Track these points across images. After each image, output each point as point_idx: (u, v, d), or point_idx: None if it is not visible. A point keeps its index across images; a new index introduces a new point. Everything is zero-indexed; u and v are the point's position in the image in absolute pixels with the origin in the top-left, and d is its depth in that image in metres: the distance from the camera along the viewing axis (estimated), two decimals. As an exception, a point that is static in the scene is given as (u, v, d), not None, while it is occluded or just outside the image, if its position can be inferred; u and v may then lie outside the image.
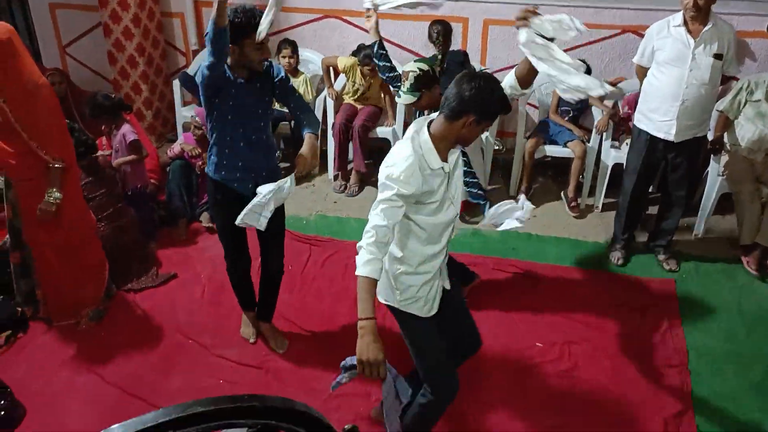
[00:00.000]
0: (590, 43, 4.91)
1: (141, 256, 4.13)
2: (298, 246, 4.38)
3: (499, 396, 3.25)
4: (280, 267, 3.43)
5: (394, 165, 2.24)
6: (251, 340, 3.57)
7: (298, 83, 5.08)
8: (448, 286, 2.62)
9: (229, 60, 2.87)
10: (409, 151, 2.24)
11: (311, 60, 5.35)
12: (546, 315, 3.80)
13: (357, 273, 2.15)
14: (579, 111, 4.89)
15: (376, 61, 3.74)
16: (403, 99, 3.41)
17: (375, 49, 3.67)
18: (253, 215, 2.93)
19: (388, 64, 3.73)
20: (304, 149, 3.04)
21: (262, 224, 2.94)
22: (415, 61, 3.48)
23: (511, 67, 4.93)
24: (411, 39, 5.23)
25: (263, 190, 2.89)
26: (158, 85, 5.63)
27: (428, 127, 2.31)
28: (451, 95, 2.24)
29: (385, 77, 3.82)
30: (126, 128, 4.24)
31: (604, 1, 4.83)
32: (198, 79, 2.89)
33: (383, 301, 2.53)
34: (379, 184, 2.28)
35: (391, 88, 4.68)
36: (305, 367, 3.42)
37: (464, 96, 2.20)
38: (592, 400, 3.25)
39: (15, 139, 3.13)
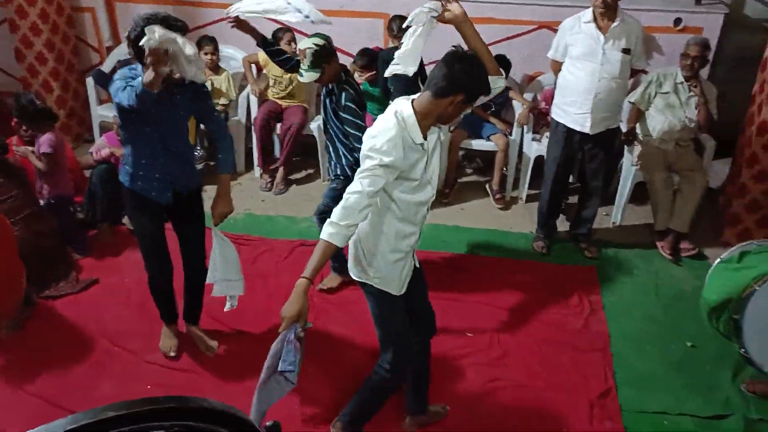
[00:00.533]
0: (509, 38, 5.03)
1: (59, 262, 3.94)
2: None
3: (431, 386, 3.29)
4: (203, 268, 3.30)
5: (377, 136, 2.28)
6: (172, 354, 3.41)
7: (220, 81, 4.97)
8: (418, 265, 2.67)
9: None
10: (392, 123, 2.28)
11: (233, 56, 5.25)
12: (476, 305, 3.88)
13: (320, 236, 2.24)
14: (500, 105, 5.01)
15: (272, 59, 3.76)
16: (306, 77, 3.41)
17: (264, 48, 3.69)
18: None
19: (281, 57, 3.73)
20: (218, 197, 3.06)
21: None
22: (308, 37, 3.45)
23: (432, 62, 5.03)
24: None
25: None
26: (71, 82, 5.38)
27: (412, 103, 2.33)
28: (440, 73, 2.26)
29: (286, 68, 3.80)
30: (45, 138, 4.00)
31: (520, -2, 4.96)
32: (115, 99, 2.72)
33: (356, 278, 2.56)
34: (361, 156, 2.31)
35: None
36: (239, 367, 3.36)
37: (456, 75, 2.24)
38: (522, 386, 3.35)
39: None
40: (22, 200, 3.80)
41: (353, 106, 3.49)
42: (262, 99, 5.11)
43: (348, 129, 3.50)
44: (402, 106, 2.33)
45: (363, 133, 3.23)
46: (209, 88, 4.99)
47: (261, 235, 4.46)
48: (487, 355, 3.52)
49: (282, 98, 5.10)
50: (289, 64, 3.72)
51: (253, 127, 5.02)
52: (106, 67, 5.27)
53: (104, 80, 5.08)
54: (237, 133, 5.08)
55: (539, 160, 4.71)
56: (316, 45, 3.36)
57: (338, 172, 3.69)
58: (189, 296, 3.45)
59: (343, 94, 3.47)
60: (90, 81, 5.17)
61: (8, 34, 5.09)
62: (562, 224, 4.64)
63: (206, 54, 4.85)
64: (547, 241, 4.44)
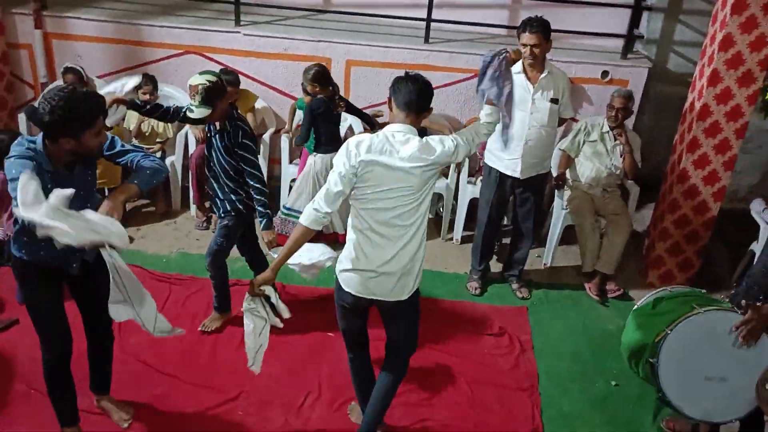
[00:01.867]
0: (447, 84, 5.18)
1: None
2: (156, 285, 4.22)
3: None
4: (110, 330, 3.08)
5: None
6: None
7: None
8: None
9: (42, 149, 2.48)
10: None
11: (171, 95, 5.23)
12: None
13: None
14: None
15: (150, 116, 3.73)
16: (197, 113, 3.37)
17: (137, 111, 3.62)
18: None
19: (158, 111, 3.60)
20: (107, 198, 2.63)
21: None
22: (200, 73, 3.42)
23: (374, 105, 5.13)
24: (274, 77, 5.27)
25: None
26: (2, 118, 5.28)
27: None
28: (419, 94, 2.71)
29: (167, 119, 3.68)
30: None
31: (457, 46, 5.14)
32: (9, 186, 2.39)
33: (410, 294, 2.89)
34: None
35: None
36: (166, 408, 3.28)
37: (430, 93, 2.75)
38: (451, 427, 3.37)
39: None
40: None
41: (250, 143, 3.49)
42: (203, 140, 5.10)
43: (243, 166, 3.49)
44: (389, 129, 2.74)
45: (258, 170, 3.42)
46: (146, 129, 5.00)
47: (194, 274, 4.39)
48: (417, 395, 3.53)
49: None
50: (168, 114, 3.62)
51: (189, 165, 4.99)
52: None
53: (36, 117, 4.99)
54: (173, 172, 5.06)
55: (474, 201, 4.81)
56: (208, 81, 3.34)
57: (228, 208, 3.64)
58: (98, 363, 3.17)
59: (240, 132, 3.44)
60: (22, 117, 5.08)
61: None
62: (496, 266, 4.73)
63: (144, 93, 4.83)
64: (481, 282, 4.52)
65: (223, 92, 3.42)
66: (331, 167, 2.73)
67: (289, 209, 4.80)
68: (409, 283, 2.84)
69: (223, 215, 3.70)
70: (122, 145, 2.74)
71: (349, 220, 2.81)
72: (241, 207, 3.64)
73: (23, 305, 3.79)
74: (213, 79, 3.36)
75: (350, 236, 2.81)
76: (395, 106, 2.74)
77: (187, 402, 3.36)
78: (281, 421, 3.31)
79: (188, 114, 3.43)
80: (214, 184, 3.64)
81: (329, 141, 4.55)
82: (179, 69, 5.25)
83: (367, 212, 2.72)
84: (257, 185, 3.52)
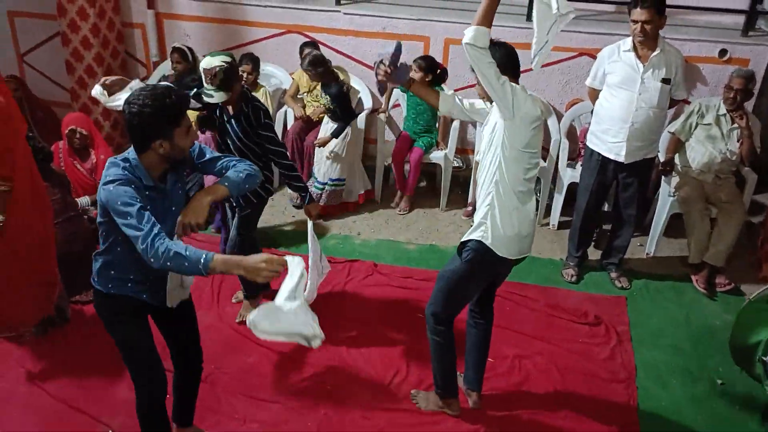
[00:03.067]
0: (548, 65, 5.00)
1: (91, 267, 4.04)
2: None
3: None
4: (200, 355, 2.90)
5: None
6: None
7: (257, 96, 5.07)
8: None
9: (138, 161, 2.31)
10: None
11: (273, 74, 5.35)
12: (498, 329, 3.78)
13: None
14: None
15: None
16: (217, 97, 3.23)
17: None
18: None
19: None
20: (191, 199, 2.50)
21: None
22: (211, 55, 3.26)
23: (472, 85, 5.02)
24: (372, 56, 5.26)
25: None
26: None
27: None
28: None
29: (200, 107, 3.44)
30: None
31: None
32: (104, 197, 2.25)
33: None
34: None
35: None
36: (255, 376, 3.38)
37: None
38: (542, 413, 3.27)
39: None
40: (60, 204, 3.92)
41: (270, 122, 3.40)
42: (302, 119, 5.18)
43: (269, 146, 3.37)
44: None
45: (283, 147, 3.36)
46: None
47: (289, 250, 4.49)
48: (507, 380, 3.46)
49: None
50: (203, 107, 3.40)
51: (285, 142, 5.08)
52: (150, 82, 5.44)
53: (127, 122, 5.21)
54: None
55: (572, 186, 4.64)
56: (225, 63, 3.20)
57: (250, 197, 3.47)
58: (187, 394, 2.95)
59: (260, 112, 3.32)
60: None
61: (61, 48, 5.30)
62: (594, 253, 4.55)
63: (244, 72, 4.95)
64: (577, 269, 4.36)
65: (237, 73, 3.32)
66: None
67: (334, 180, 4.89)
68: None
69: (244, 205, 3.53)
70: (211, 152, 2.58)
71: (488, 186, 2.78)
72: (262, 191, 3.51)
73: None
74: (228, 59, 3.24)
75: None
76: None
77: (278, 372, 3.44)
78: (368, 396, 3.33)
79: (207, 99, 3.25)
80: None
81: None
82: (280, 48, 5.35)
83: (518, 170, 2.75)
84: (287, 162, 3.44)
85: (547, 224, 4.95)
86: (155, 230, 2.19)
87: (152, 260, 2.18)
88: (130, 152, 2.33)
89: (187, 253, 2.17)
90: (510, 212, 2.78)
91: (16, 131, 3.24)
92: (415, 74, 4.51)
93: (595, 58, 4.49)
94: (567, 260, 4.43)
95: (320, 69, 4.55)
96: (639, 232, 4.71)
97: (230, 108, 3.39)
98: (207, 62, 3.21)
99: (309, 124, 5.11)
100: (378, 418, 3.20)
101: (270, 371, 3.46)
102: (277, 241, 4.65)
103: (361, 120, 5.10)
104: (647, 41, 3.76)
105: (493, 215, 2.78)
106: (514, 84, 2.70)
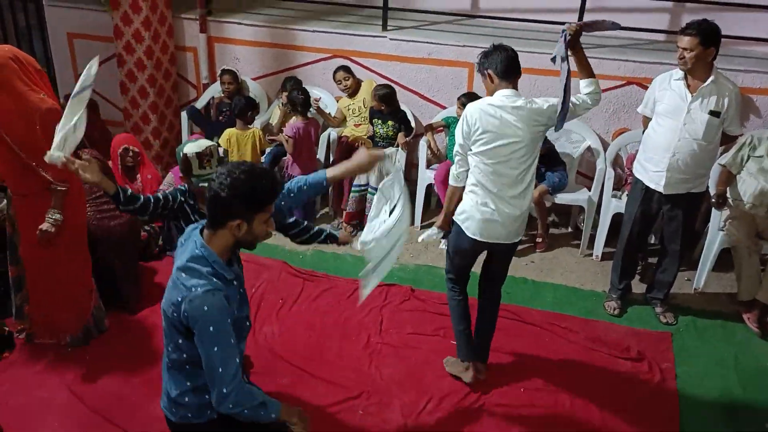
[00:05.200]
0: (595, 93, 4.92)
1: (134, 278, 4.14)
2: (292, 280, 4.38)
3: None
4: None
5: None
6: None
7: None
8: None
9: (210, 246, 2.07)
10: None
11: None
12: (535, 360, 3.74)
13: None
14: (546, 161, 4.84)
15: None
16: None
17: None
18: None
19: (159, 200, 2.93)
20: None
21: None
22: (190, 144, 3.02)
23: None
24: (416, 82, 5.29)
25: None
26: (167, 116, 5.72)
27: None
28: (515, 59, 3.15)
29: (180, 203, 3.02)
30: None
31: (608, 52, 4.88)
32: (193, 313, 1.98)
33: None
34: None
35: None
36: (286, 398, 3.36)
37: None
38: (578, 451, 3.17)
39: (14, 157, 3.19)
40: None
41: None
42: (342, 138, 5.24)
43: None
44: None
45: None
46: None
47: (326, 272, 4.50)
48: (543, 415, 3.36)
49: (359, 126, 5.26)
50: (162, 207, 2.93)
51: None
52: (199, 103, 5.59)
53: (196, 116, 5.37)
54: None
55: (617, 217, 4.53)
56: (210, 144, 3.02)
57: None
58: None
59: None
60: (184, 115, 5.48)
61: (116, 69, 5.49)
62: (639, 287, 4.42)
63: (282, 92, 5.10)
64: (620, 302, 4.23)
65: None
66: None
67: (358, 185, 5.00)
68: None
69: None
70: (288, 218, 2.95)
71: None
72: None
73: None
74: (208, 143, 3.01)
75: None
76: (496, 76, 3.06)
77: (311, 395, 3.42)
78: (400, 423, 3.28)
79: (194, 183, 2.95)
80: None
81: None
82: (327, 72, 5.42)
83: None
84: (305, 223, 3.12)
85: (591, 255, 4.83)
86: (239, 371, 2.03)
87: (228, 407, 2.00)
88: (197, 240, 2.06)
89: (267, 402, 2.10)
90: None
91: None
92: (459, 111, 4.67)
93: (643, 87, 4.42)
94: (610, 292, 4.31)
95: (392, 102, 4.93)
96: (687, 267, 4.56)
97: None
98: (192, 147, 2.94)
99: (351, 149, 5.15)
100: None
101: (303, 393, 3.45)
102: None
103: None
104: (694, 71, 3.66)
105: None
106: None
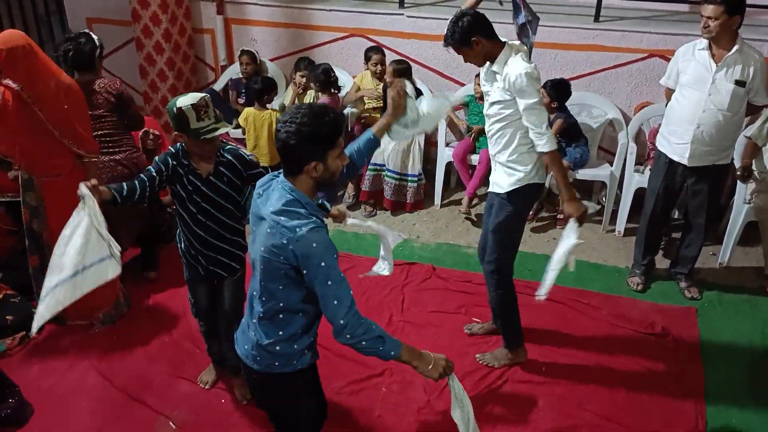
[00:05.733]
0: (616, 66, 4.85)
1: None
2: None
3: (502, 415, 3.20)
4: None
5: None
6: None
7: (307, 97, 5.19)
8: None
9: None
10: None
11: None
12: (557, 337, 3.73)
13: None
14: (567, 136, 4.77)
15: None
16: (222, 128, 2.72)
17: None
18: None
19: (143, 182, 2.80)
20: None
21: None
22: (180, 97, 2.69)
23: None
24: (434, 59, 5.24)
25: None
26: (187, 98, 5.73)
27: None
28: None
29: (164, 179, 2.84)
30: None
31: (630, 24, 4.80)
32: (303, 251, 1.98)
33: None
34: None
35: None
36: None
37: None
38: (601, 427, 3.16)
39: (48, 136, 3.28)
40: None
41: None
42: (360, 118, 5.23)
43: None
44: None
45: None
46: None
47: (349, 251, 4.52)
48: (567, 394, 3.35)
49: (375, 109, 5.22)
50: (141, 191, 2.78)
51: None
52: (218, 85, 5.60)
53: (215, 99, 5.38)
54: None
55: (639, 192, 4.48)
56: (203, 95, 2.73)
57: (240, 255, 3.04)
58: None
59: (239, 152, 2.88)
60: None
61: (134, 52, 5.51)
62: (663, 262, 4.38)
63: (303, 76, 5.07)
64: (644, 278, 4.19)
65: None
66: None
67: (374, 164, 5.01)
68: None
69: (237, 267, 3.06)
70: None
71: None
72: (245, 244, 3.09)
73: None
74: (201, 95, 2.73)
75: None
76: (491, 39, 2.97)
77: (334, 373, 3.44)
78: (423, 401, 3.30)
79: (213, 135, 2.69)
80: (215, 241, 2.92)
81: None
82: (343, 51, 5.40)
83: None
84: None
85: (613, 231, 4.79)
86: (354, 303, 2.03)
87: (346, 337, 2.03)
88: (288, 189, 2.07)
89: (385, 337, 2.08)
90: None
91: None
92: (477, 88, 4.79)
93: (666, 59, 4.34)
94: (633, 268, 4.27)
95: (408, 77, 4.75)
96: (712, 241, 4.50)
97: (202, 164, 2.80)
98: (186, 100, 2.65)
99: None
100: (432, 421, 3.16)
101: (326, 371, 3.46)
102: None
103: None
104: (719, 39, 3.58)
105: (531, 160, 3.12)
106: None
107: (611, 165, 4.76)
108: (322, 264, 1.98)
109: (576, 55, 4.86)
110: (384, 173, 5.03)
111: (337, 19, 5.34)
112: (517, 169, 3.10)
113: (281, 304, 2.12)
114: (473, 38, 2.92)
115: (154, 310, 3.95)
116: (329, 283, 2.00)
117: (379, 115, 5.18)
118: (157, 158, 2.84)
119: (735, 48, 3.57)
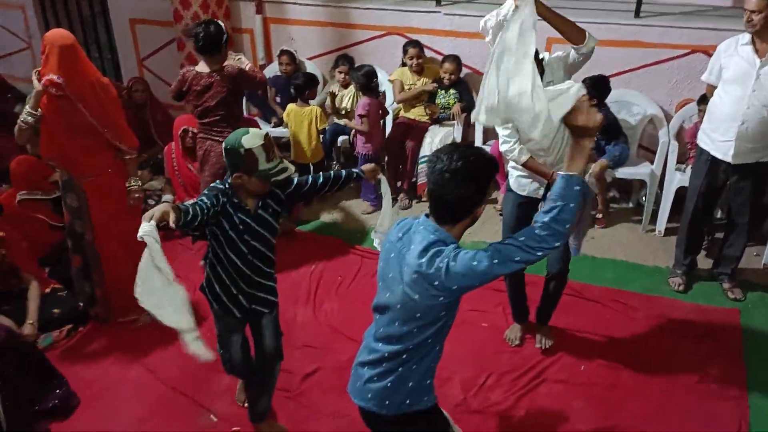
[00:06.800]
0: (657, 63, 4.77)
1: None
2: (350, 258, 4.45)
3: (539, 415, 3.19)
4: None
5: None
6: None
7: (346, 94, 5.24)
8: None
9: None
10: None
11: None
12: (596, 337, 3.70)
13: None
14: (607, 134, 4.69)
15: None
16: (289, 171, 2.60)
17: None
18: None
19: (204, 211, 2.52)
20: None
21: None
22: (243, 134, 2.49)
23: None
24: (471, 56, 5.23)
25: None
26: (226, 97, 5.82)
27: None
28: None
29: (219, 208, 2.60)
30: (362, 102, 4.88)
31: (671, 20, 4.71)
32: (462, 270, 1.92)
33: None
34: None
35: None
36: (346, 372, 3.42)
37: None
38: (640, 428, 3.12)
39: (89, 135, 3.39)
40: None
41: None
42: (400, 118, 5.25)
43: (300, 189, 2.81)
44: None
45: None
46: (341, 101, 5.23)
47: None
48: (607, 394, 3.32)
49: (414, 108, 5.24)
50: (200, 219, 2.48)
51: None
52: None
53: (254, 97, 5.46)
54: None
55: (680, 191, 4.40)
56: (265, 138, 2.52)
57: (276, 289, 2.90)
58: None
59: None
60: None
61: (176, 52, 5.61)
62: (705, 262, 4.30)
63: (341, 72, 5.12)
64: (685, 278, 4.12)
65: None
66: None
67: (424, 156, 5.02)
68: None
69: (275, 300, 2.91)
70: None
71: None
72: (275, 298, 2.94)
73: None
74: (264, 132, 2.56)
75: None
76: None
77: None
78: (459, 398, 3.30)
79: (281, 177, 2.54)
80: (257, 278, 2.76)
81: None
82: (380, 49, 5.42)
83: None
84: (325, 174, 2.89)
85: (653, 230, 4.71)
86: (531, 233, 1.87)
87: (560, 240, 1.84)
88: (429, 228, 2.01)
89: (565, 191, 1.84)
90: None
91: None
92: None
93: (708, 55, 4.26)
94: (674, 268, 4.20)
95: (458, 70, 5.00)
96: (755, 241, 4.39)
97: (249, 200, 2.62)
98: (253, 140, 2.46)
99: (409, 129, 5.14)
100: (466, 420, 3.17)
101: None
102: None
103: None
104: (763, 34, 3.50)
105: None
106: None
107: (651, 163, 4.70)
108: (480, 269, 1.90)
109: (616, 52, 4.79)
110: None
111: (374, 17, 5.37)
112: None
113: (416, 340, 2.07)
114: None
115: (195, 304, 4.01)
116: (517, 253, 1.87)
117: (420, 110, 5.17)
118: (206, 192, 2.57)
119: (781, 42, 3.50)
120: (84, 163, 3.48)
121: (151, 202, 4.78)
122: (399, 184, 5.22)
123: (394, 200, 5.06)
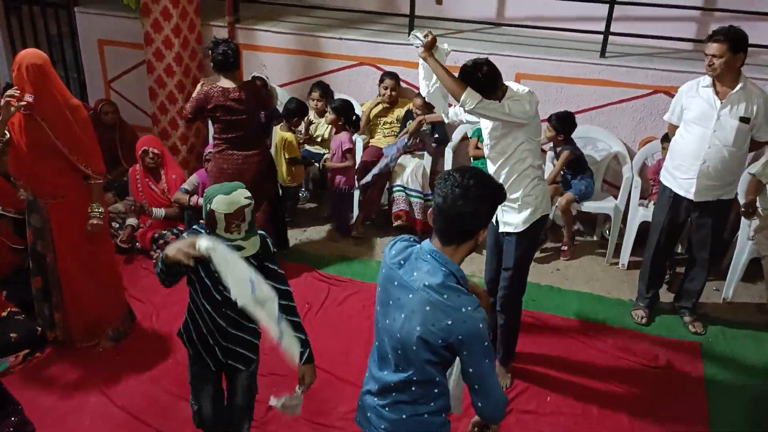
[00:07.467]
0: (621, 101, 4.92)
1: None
2: (318, 285, 4.41)
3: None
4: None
5: None
6: None
7: (322, 122, 5.27)
8: None
9: None
10: None
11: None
12: (563, 369, 3.72)
13: None
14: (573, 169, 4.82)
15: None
16: (250, 247, 2.47)
17: None
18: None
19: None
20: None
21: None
22: (226, 194, 2.40)
23: (542, 120, 5.02)
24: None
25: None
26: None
27: None
28: None
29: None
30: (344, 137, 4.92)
31: (635, 61, 4.87)
32: (470, 332, 1.91)
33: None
34: None
35: None
36: (314, 401, 3.38)
37: None
38: (607, 459, 3.15)
39: (55, 157, 3.32)
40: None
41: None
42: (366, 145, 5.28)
43: (275, 284, 2.50)
44: None
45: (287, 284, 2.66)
46: (314, 130, 5.25)
47: (352, 276, 4.52)
48: (573, 421, 3.35)
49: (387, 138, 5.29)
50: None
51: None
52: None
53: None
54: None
55: (643, 225, 4.51)
56: (249, 199, 2.43)
57: (256, 348, 2.75)
58: None
59: (266, 238, 2.60)
60: (210, 122, 5.55)
61: (144, 75, 5.57)
62: (667, 296, 4.39)
63: (314, 100, 5.15)
64: (648, 311, 4.20)
65: None
66: None
67: (398, 185, 5.00)
68: None
69: (254, 358, 2.75)
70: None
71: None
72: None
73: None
74: (248, 193, 2.46)
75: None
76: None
77: (338, 399, 3.44)
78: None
79: (241, 254, 2.37)
80: (233, 330, 2.60)
81: None
82: (353, 79, 5.46)
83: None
84: (294, 306, 2.67)
85: (617, 263, 4.81)
86: None
87: (502, 413, 2.00)
88: (441, 261, 1.97)
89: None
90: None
91: None
92: None
93: (670, 95, 4.41)
94: (637, 301, 4.28)
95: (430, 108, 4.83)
96: (715, 277, 4.52)
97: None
98: (223, 204, 2.36)
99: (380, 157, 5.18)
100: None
101: (330, 397, 3.47)
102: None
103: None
104: (723, 77, 3.65)
105: (540, 192, 3.26)
106: (508, 100, 3.08)
107: (616, 198, 4.81)
108: (486, 343, 1.91)
109: (582, 90, 4.93)
110: (405, 192, 5.00)
111: (346, 48, 5.42)
112: (529, 203, 3.24)
113: (423, 378, 2.03)
114: None
115: (156, 330, 3.93)
116: (487, 360, 1.93)
117: (391, 139, 5.22)
118: (185, 236, 2.46)
119: (739, 86, 3.64)
120: (50, 183, 3.41)
121: (114, 224, 4.70)
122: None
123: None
